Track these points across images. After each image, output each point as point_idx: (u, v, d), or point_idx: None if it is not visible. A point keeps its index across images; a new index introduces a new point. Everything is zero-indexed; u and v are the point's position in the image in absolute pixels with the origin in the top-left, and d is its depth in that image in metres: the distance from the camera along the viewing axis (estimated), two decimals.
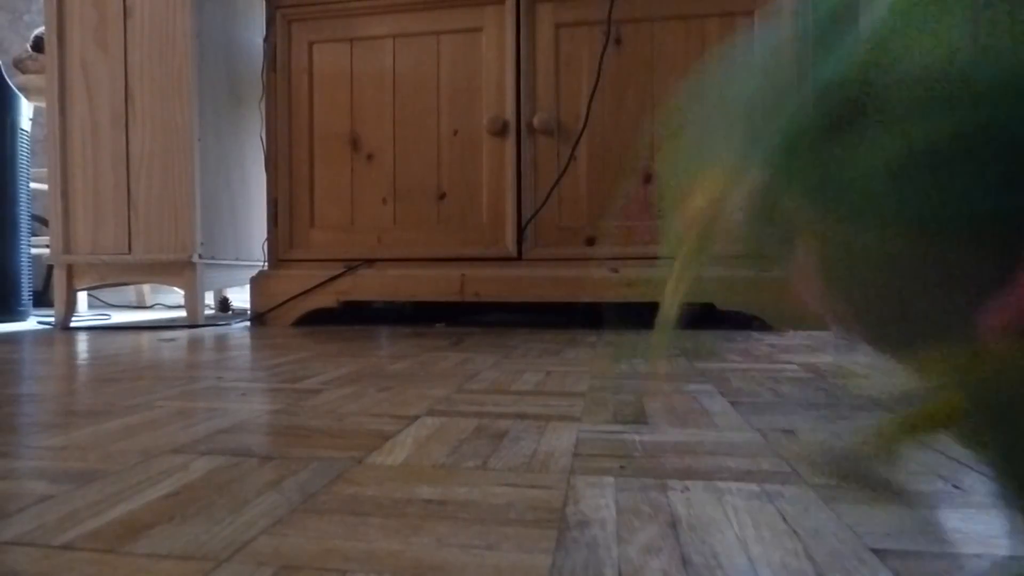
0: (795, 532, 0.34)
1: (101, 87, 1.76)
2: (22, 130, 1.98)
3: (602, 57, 1.60)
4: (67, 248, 1.78)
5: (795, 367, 0.92)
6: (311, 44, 1.78)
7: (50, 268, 2.04)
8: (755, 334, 1.40)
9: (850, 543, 0.33)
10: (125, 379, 0.87)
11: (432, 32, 1.70)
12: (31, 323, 1.93)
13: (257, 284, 1.80)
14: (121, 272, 1.79)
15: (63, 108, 1.77)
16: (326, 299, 1.73)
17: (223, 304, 2.32)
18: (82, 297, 2.14)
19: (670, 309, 0.29)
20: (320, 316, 1.75)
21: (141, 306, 2.78)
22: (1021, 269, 0.20)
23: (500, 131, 1.65)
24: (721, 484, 0.42)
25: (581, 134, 1.61)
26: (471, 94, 1.69)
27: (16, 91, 1.99)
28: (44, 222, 2.27)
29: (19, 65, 2.34)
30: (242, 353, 1.15)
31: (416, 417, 0.62)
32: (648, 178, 1.57)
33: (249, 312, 1.82)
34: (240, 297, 2.31)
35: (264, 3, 1.82)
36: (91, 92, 1.77)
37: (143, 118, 1.74)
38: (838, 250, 0.25)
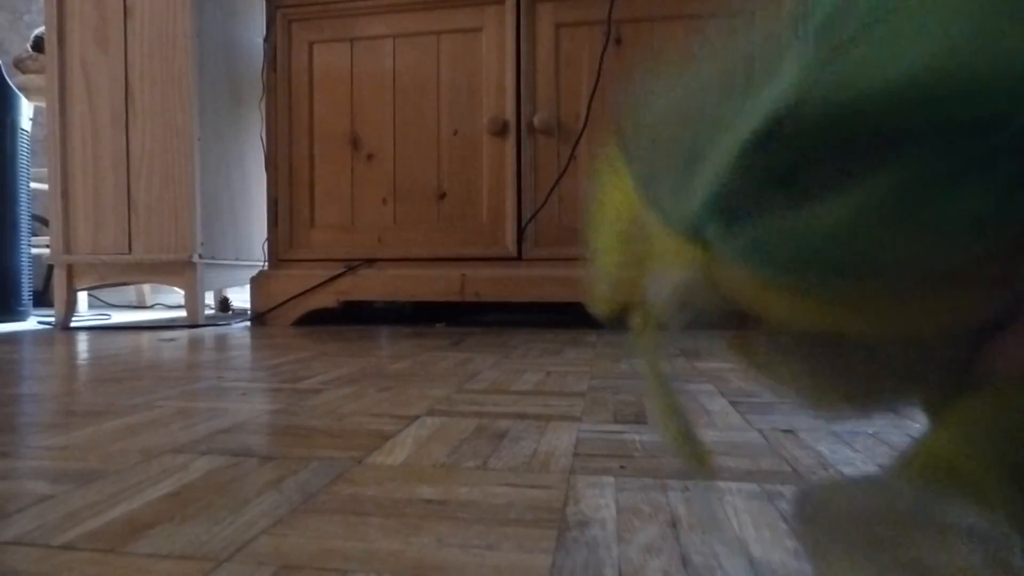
0: (795, 532, 0.34)
1: (101, 87, 1.76)
2: (22, 130, 1.98)
3: (602, 57, 1.60)
4: (67, 248, 1.78)
5: None
6: (311, 44, 1.78)
7: (50, 268, 2.04)
8: None
9: None
10: (125, 379, 0.87)
11: (432, 32, 1.70)
12: (31, 323, 1.93)
13: (257, 284, 1.80)
14: (121, 272, 1.79)
15: (63, 108, 1.77)
16: (326, 299, 1.73)
17: (223, 304, 2.32)
18: (82, 297, 2.14)
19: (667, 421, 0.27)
20: (320, 316, 1.75)
21: (141, 306, 2.78)
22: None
23: (500, 131, 1.65)
24: (721, 484, 0.42)
25: (581, 134, 1.61)
26: (471, 94, 1.69)
27: (16, 91, 1.99)
28: (44, 222, 2.27)
29: (19, 65, 2.34)
30: (242, 353, 1.15)
31: (416, 417, 0.62)
32: None
33: (249, 312, 1.82)
34: (240, 297, 2.31)
35: (264, 3, 1.82)
36: (91, 92, 1.77)
37: (143, 118, 1.74)
38: (803, 320, 0.22)
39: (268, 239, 1.83)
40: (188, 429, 0.58)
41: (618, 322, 0.29)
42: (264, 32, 1.83)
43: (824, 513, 0.23)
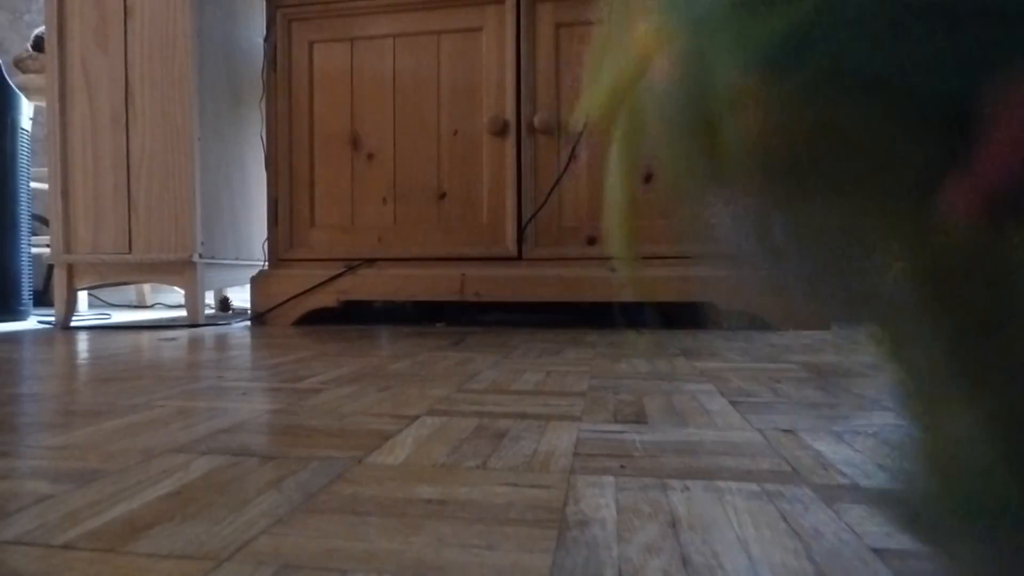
0: (795, 532, 0.34)
1: (101, 87, 1.76)
2: (22, 129, 1.98)
3: None
4: (67, 247, 1.78)
5: (795, 366, 0.92)
6: (311, 44, 1.78)
7: (50, 267, 2.04)
8: (755, 334, 1.40)
9: (850, 543, 0.33)
10: (125, 379, 0.87)
11: (432, 32, 1.70)
12: (31, 322, 1.93)
13: (257, 284, 1.80)
14: (121, 272, 1.79)
15: (63, 108, 1.77)
16: (326, 299, 1.73)
17: (223, 304, 2.32)
18: (82, 296, 2.14)
19: (616, 192, 0.26)
20: (320, 316, 1.75)
21: (141, 306, 2.78)
22: (983, 145, 0.19)
23: (500, 131, 1.65)
24: (721, 484, 0.42)
25: (581, 134, 1.61)
26: (471, 94, 1.69)
27: (16, 90, 1.99)
28: (44, 221, 2.27)
29: (19, 64, 2.34)
30: (242, 353, 1.15)
31: (416, 417, 0.62)
32: (648, 177, 1.57)
33: (249, 312, 1.82)
34: (240, 297, 2.31)
35: (264, 3, 1.82)
36: (91, 92, 1.77)
37: (143, 118, 1.74)
38: (783, 122, 0.20)
39: (268, 239, 1.83)
40: (188, 429, 0.58)
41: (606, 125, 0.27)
42: (264, 32, 1.83)
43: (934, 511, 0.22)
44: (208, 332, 1.56)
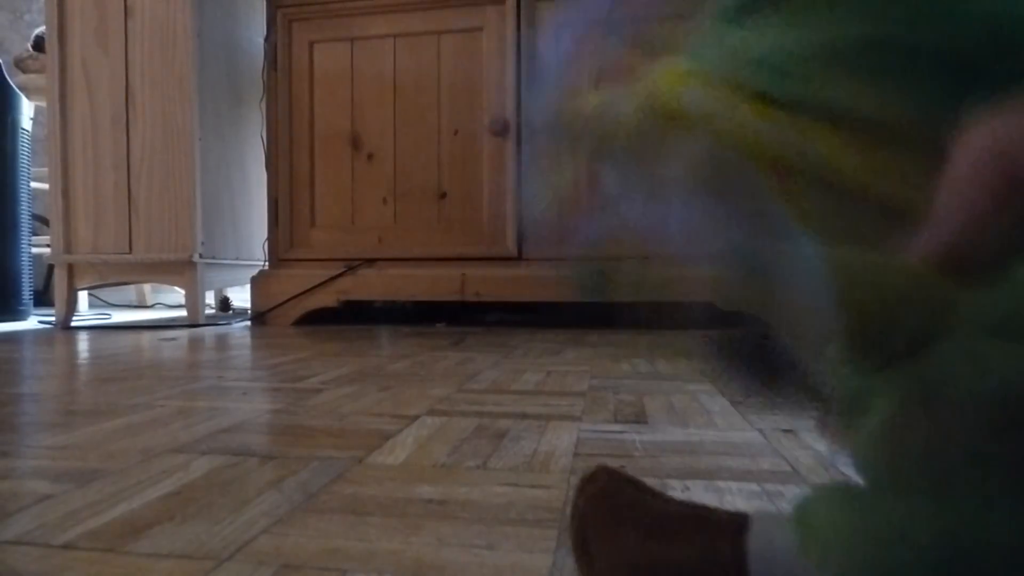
0: None
1: (102, 87, 1.76)
2: (23, 129, 1.98)
3: None
4: (68, 247, 1.78)
5: None
6: (312, 44, 1.78)
7: (51, 267, 2.04)
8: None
9: None
10: (126, 378, 0.87)
11: (433, 32, 1.70)
12: (32, 322, 1.93)
13: (257, 284, 1.80)
14: (122, 271, 1.80)
15: (64, 107, 1.77)
16: (327, 299, 1.73)
17: (224, 304, 2.32)
18: (83, 296, 2.14)
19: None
20: (321, 316, 1.75)
21: (142, 305, 2.78)
22: (940, 196, 0.18)
23: (501, 131, 1.65)
24: (721, 483, 0.42)
25: None
26: (472, 94, 1.69)
27: (17, 90, 1.99)
28: (45, 221, 2.27)
29: (20, 64, 2.34)
30: (242, 352, 1.15)
31: (417, 417, 0.62)
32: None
33: (249, 312, 1.82)
34: (241, 297, 2.31)
35: (265, 3, 1.82)
36: (92, 92, 1.77)
37: (144, 118, 1.74)
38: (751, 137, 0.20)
39: (268, 239, 1.83)
40: (188, 429, 0.58)
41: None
42: (264, 32, 1.83)
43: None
44: (208, 332, 1.56)
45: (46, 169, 1.84)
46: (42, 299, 2.58)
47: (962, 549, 0.19)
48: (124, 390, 0.78)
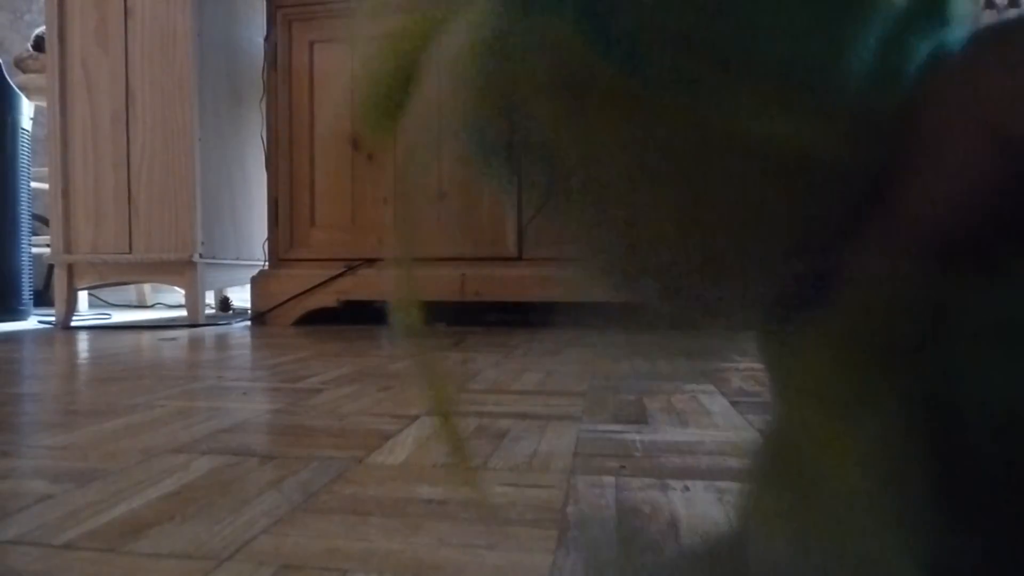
0: None
1: (102, 87, 1.76)
2: (23, 129, 1.98)
3: None
4: (68, 247, 1.78)
5: None
6: (312, 43, 1.78)
7: (51, 267, 2.04)
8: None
9: None
10: (126, 378, 0.87)
11: None
12: (32, 322, 1.93)
13: (257, 284, 1.80)
14: (122, 271, 1.79)
15: (64, 107, 1.77)
16: (326, 299, 1.73)
17: (224, 304, 2.32)
18: (83, 296, 2.14)
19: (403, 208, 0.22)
20: (320, 316, 1.75)
21: (142, 305, 2.78)
22: (899, 182, 0.16)
23: None
24: (722, 484, 0.42)
25: None
26: None
27: (17, 90, 1.99)
28: (45, 221, 2.27)
29: (20, 64, 2.34)
30: (242, 352, 1.15)
31: (416, 417, 0.62)
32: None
33: (249, 312, 1.82)
34: (241, 297, 2.31)
35: (264, 3, 1.82)
36: (92, 92, 1.77)
37: (144, 118, 1.74)
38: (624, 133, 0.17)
39: (268, 239, 1.83)
40: (188, 429, 0.58)
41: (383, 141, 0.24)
42: (264, 32, 1.83)
43: None
44: (208, 332, 1.56)
45: (46, 169, 1.84)
46: (42, 299, 2.57)
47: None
48: (124, 390, 0.78)
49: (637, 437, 0.54)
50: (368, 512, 0.38)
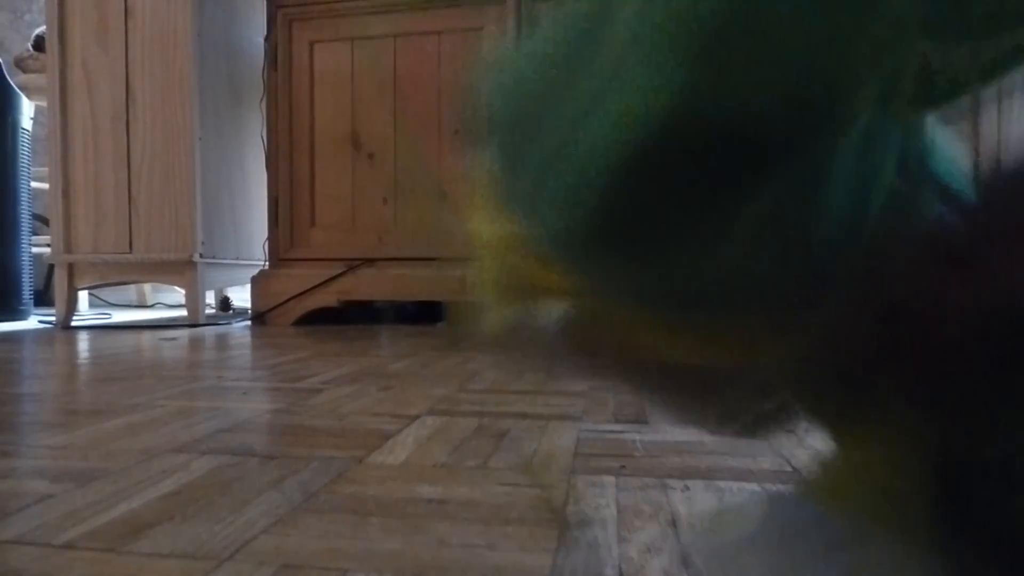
0: None
1: (102, 86, 1.76)
2: (23, 129, 1.98)
3: None
4: (68, 247, 1.78)
5: None
6: (312, 43, 1.78)
7: (51, 267, 2.04)
8: None
9: None
10: (126, 378, 0.87)
11: (433, 32, 1.70)
12: (32, 322, 1.93)
13: (258, 283, 1.80)
14: (122, 271, 1.79)
15: (64, 107, 1.77)
16: (327, 298, 1.73)
17: (224, 303, 2.32)
18: (83, 296, 2.14)
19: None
20: (321, 315, 1.75)
21: (142, 305, 2.78)
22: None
23: None
24: (722, 483, 0.42)
25: None
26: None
27: (17, 90, 1.99)
28: (45, 221, 2.27)
29: (20, 64, 2.34)
30: (243, 352, 1.15)
31: (417, 416, 0.62)
32: None
33: (250, 311, 1.82)
34: (241, 296, 2.31)
35: (265, 3, 1.82)
36: (92, 91, 1.77)
37: (144, 117, 1.74)
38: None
39: (268, 238, 1.83)
40: (189, 428, 0.58)
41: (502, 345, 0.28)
42: (265, 32, 1.83)
43: (721, 548, 0.23)
44: (208, 332, 1.56)
45: (46, 169, 1.84)
46: (42, 299, 2.58)
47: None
48: (124, 390, 0.78)
49: (637, 437, 0.54)
50: (368, 512, 0.38)
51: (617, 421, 0.60)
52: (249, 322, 1.78)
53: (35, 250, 2.11)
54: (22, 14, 3.16)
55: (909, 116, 0.19)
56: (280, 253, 1.80)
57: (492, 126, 0.23)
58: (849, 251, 0.18)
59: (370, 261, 1.72)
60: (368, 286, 1.71)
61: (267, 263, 1.85)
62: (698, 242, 0.18)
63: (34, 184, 2.08)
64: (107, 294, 2.83)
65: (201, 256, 1.73)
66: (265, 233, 1.87)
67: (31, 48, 2.33)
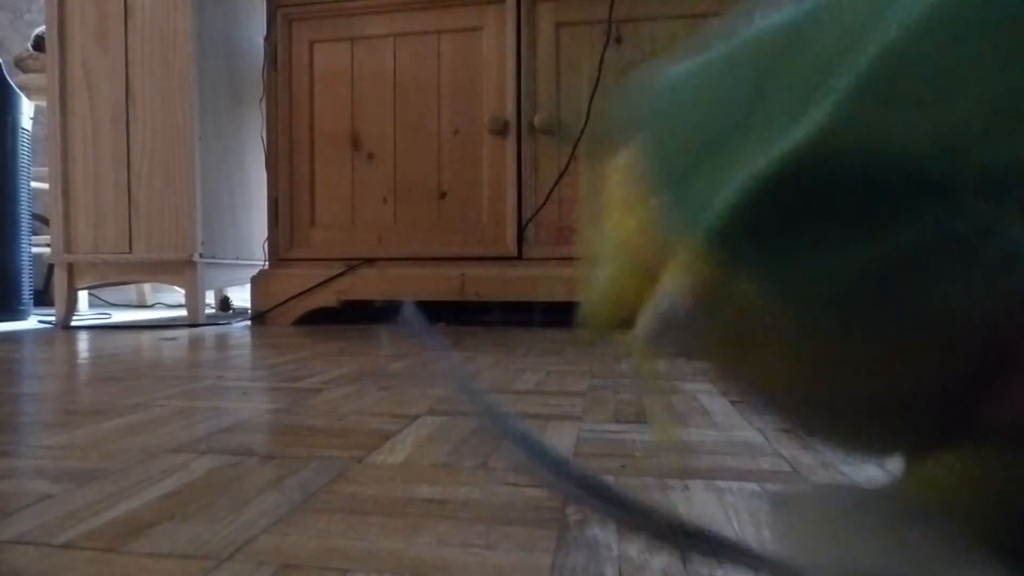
0: None
1: (102, 86, 1.76)
2: (23, 129, 1.98)
3: (603, 56, 1.60)
4: (68, 247, 1.78)
5: None
6: (312, 43, 1.78)
7: (51, 267, 2.04)
8: None
9: None
10: (126, 378, 0.87)
11: (433, 31, 1.70)
12: (32, 322, 1.93)
13: (258, 283, 1.80)
14: (122, 271, 1.79)
15: (64, 107, 1.77)
16: (327, 298, 1.73)
17: (224, 303, 2.32)
18: (83, 296, 2.14)
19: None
20: (321, 315, 1.75)
21: (142, 305, 2.78)
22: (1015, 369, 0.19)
23: (501, 130, 1.65)
24: (721, 483, 0.42)
25: (582, 134, 1.61)
26: (471, 93, 1.69)
27: (17, 90, 1.99)
28: (45, 221, 2.27)
29: (20, 64, 2.34)
30: (243, 352, 1.15)
31: (417, 416, 0.62)
32: None
33: (249, 311, 1.82)
34: (241, 296, 2.31)
35: (264, 2, 1.82)
36: (92, 91, 1.77)
37: (144, 117, 1.74)
38: (809, 356, 0.22)
39: (268, 238, 1.83)
40: (188, 428, 0.58)
41: (609, 337, 0.28)
42: (264, 31, 1.83)
43: (802, 512, 0.24)
44: (208, 332, 1.56)
45: (46, 169, 1.84)
46: (42, 299, 2.58)
47: None
48: (124, 390, 0.78)
49: (637, 437, 0.54)
50: (368, 512, 0.38)
51: (617, 421, 0.60)
52: (249, 322, 1.78)
53: (35, 250, 2.11)
54: (22, 14, 3.16)
55: None
56: (280, 253, 1.80)
57: (654, 124, 0.24)
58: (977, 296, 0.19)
59: (370, 261, 1.72)
60: (368, 286, 1.71)
61: (267, 263, 1.85)
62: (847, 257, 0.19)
63: (34, 184, 2.08)
64: (107, 294, 2.83)
65: (201, 256, 1.73)
66: (265, 233, 1.87)
67: (31, 48, 2.33)
